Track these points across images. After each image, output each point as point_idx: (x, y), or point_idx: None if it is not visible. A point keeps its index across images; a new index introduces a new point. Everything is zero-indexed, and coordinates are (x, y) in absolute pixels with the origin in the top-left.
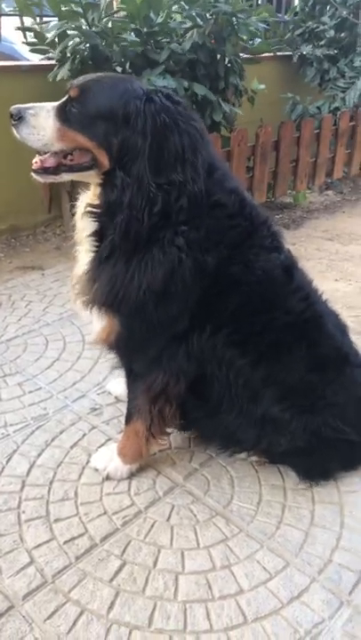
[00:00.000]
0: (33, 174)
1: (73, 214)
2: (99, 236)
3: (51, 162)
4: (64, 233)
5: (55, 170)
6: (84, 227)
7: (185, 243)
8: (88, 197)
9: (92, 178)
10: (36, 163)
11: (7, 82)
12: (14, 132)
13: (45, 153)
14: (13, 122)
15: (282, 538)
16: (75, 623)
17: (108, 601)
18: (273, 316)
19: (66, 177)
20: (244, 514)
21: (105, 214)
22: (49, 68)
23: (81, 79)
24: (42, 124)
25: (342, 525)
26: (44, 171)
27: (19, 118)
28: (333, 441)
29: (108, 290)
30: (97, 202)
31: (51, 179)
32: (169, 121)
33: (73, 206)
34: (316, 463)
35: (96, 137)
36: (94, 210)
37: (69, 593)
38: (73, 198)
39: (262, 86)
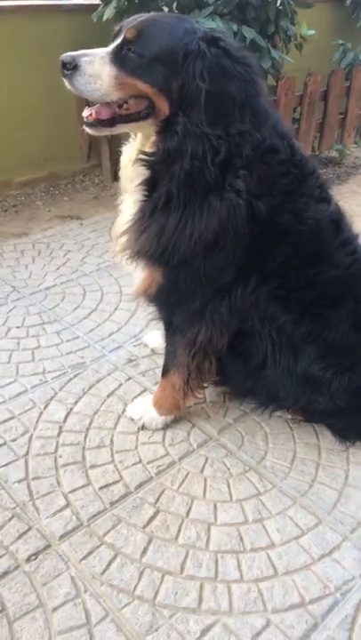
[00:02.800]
0: (86, 128)
1: (112, 163)
2: (151, 185)
3: (106, 113)
4: (102, 182)
5: (111, 121)
6: (132, 175)
7: (244, 187)
8: (137, 145)
9: (147, 127)
10: (89, 115)
11: (48, 22)
12: (66, 82)
13: (95, 103)
14: (66, 71)
15: (315, 496)
16: (109, 565)
17: (142, 546)
18: (320, 270)
19: (121, 128)
20: (277, 470)
21: (161, 162)
22: (92, 8)
23: (135, 20)
24: (98, 72)
25: None
26: (99, 123)
27: (73, 67)
28: None
29: (157, 240)
30: (151, 149)
31: (107, 131)
32: (231, 65)
33: (112, 155)
34: (353, 423)
35: (157, 82)
36: (148, 157)
37: (104, 537)
38: (112, 146)
39: (312, 31)
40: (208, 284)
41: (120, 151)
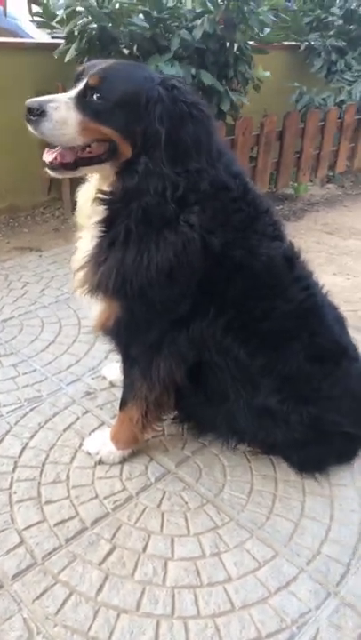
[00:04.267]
0: (49, 171)
1: (73, 197)
2: (108, 222)
3: (69, 156)
4: (63, 215)
5: (73, 165)
6: (90, 213)
7: (197, 221)
8: (95, 184)
9: (107, 168)
10: (54, 159)
11: (10, 59)
12: (30, 128)
13: (55, 146)
14: (32, 117)
15: (272, 528)
16: (63, 604)
17: (98, 584)
18: (274, 304)
19: (84, 171)
20: (235, 503)
21: (120, 200)
22: (53, 46)
23: (96, 66)
24: (64, 118)
25: (332, 518)
26: (61, 166)
27: (40, 113)
28: (329, 433)
29: (114, 274)
30: (109, 188)
31: (69, 174)
32: (187, 109)
33: (73, 188)
34: (310, 455)
35: (120, 127)
36: (106, 197)
37: (59, 575)
38: (73, 181)
39: (267, 73)
40: (165, 315)
41: (80, 186)
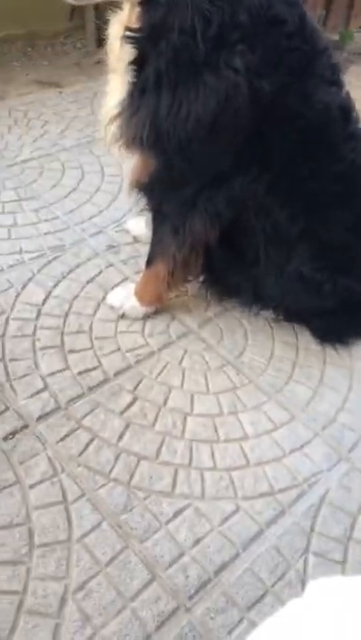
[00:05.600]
0: None
1: (97, 27)
2: (139, 63)
3: None
4: (85, 47)
5: None
6: (119, 53)
7: (243, 64)
8: (123, 18)
9: None
10: None
11: None
12: None
13: None
14: None
15: (290, 393)
16: (86, 447)
17: (119, 431)
18: (323, 162)
19: None
20: (254, 366)
21: (147, 39)
22: None
23: None
24: None
25: (350, 389)
26: None
27: None
28: (357, 306)
29: (149, 124)
30: (136, 24)
31: (85, 0)
32: None
33: (98, 17)
34: (335, 325)
35: None
36: (133, 34)
37: (82, 420)
38: (98, 8)
39: None
40: (204, 170)
41: (107, 15)
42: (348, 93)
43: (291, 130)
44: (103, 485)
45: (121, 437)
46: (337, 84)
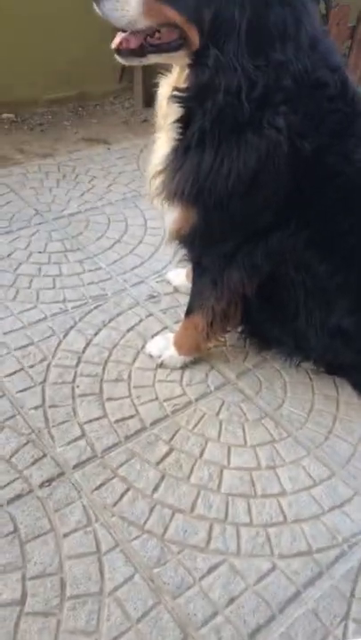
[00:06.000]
0: (117, 56)
1: (145, 88)
2: (185, 122)
3: (134, 42)
4: (133, 107)
5: (141, 51)
6: (167, 112)
7: (285, 124)
8: (172, 79)
9: (181, 59)
10: (119, 44)
11: None
12: (95, 7)
13: (126, 31)
14: None
15: (330, 448)
16: (121, 498)
17: (154, 482)
18: None
19: (153, 59)
20: (294, 419)
21: (194, 98)
22: None
23: None
24: None
25: None
26: (128, 52)
27: None
28: None
29: (192, 179)
30: (184, 85)
31: (136, 61)
32: None
33: (146, 79)
34: None
35: (187, 10)
36: (181, 94)
37: (117, 469)
38: (146, 70)
39: None
40: (244, 225)
41: (155, 78)
42: None
43: (330, 187)
44: (137, 537)
45: (156, 489)
46: None
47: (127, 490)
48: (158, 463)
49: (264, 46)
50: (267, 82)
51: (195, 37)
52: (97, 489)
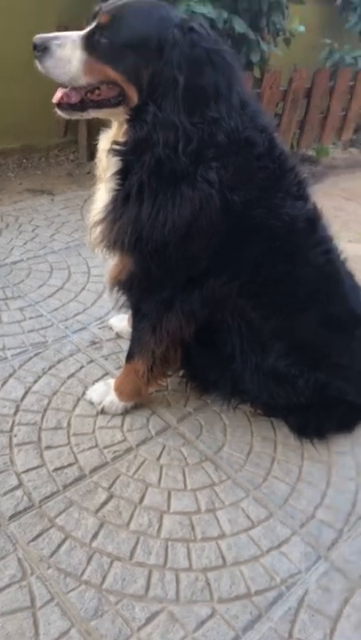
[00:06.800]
0: (57, 110)
1: (89, 141)
2: (123, 174)
3: (75, 97)
4: (77, 159)
5: (81, 105)
6: (107, 165)
7: (217, 178)
8: (112, 134)
9: (120, 114)
10: (60, 98)
11: None
12: (37, 64)
13: (68, 86)
14: (37, 53)
15: (268, 489)
16: (58, 548)
17: (93, 530)
18: (292, 267)
19: (93, 113)
20: (233, 462)
21: (132, 152)
22: None
23: (111, 4)
24: (68, 56)
25: (328, 484)
26: (69, 106)
27: (43, 49)
28: (334, 401)
29: (130, 229)
30: (123, 139)
31: (77, 115)
32: (205, 54)
33: (90, 132)
34: (312, 421)
35: (125, 69)
36: (120, 147)
37: (55, 519)
38: (90, 124)
39: (302, 28)
40: (180, 273)
41: (99, 132)
42: (315, 205)
43: (260, 238)
44: (74, 589)
45: (95, 537)
46: (303, 198)
47: (65, 539)
48: (97, 511)
49: (199, 104)
50: (201, 137)
51: (133, 95)
52: (33, 540)
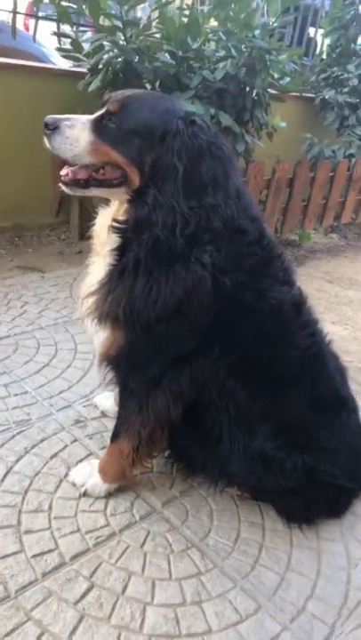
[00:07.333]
0: (62, 186)
1: (81, 222)
2: (121, 251)
3: (82, 174)
4: (69, 239)
5: (85, 183)
6: (105, 240)
7: (210, 261)
8: (111, 211)
9: (121, 194)
10: (66, 175)
11: (37, 82)
12: (45, 141)
13: (74, 164)
14: (47, 131)
15: (256, 579)
16: None
17: (72, 624)
18: (279, 349)
19: (95, 192)
20: (220, 549)
21: (132, 230)
22: (78, 75)
23: (120, 94)
24: (76, 136)
25: (318, 574)
26: (73, 183)
27: (54, 128)
28: (322, 484)
29: (123, 302)
30: (123, 217)
31: (80, 192)
32: (206, 145)
33: (82, 213)
34: (300, 505)
35: (129, 153)
36: (120, 225)
37: (32, 611)
38: (83, 205)
39: (283, 124)
40: (169, 350)
41: (91, 212)
42: (300, 290)
43: (248, 321)
44: None
45: (74, 631)
46: (289, 283)
47: (41, 635)
48: (77, 602)
49: (197, 191)
50: (198, 221)
51: (135, 178)
52: (7, 635)
